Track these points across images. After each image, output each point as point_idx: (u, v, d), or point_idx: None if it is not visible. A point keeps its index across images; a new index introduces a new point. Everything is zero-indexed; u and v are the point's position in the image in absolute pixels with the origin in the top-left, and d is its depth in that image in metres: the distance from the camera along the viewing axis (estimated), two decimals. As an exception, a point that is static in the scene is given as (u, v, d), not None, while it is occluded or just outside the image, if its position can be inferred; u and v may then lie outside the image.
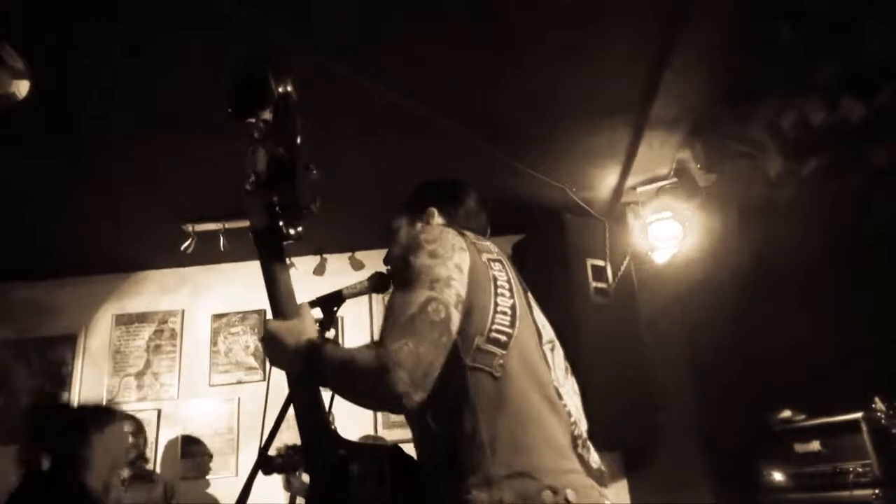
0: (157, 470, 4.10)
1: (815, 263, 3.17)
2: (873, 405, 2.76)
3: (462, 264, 1.28)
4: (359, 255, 4.50)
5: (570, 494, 1.16)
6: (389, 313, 1.21)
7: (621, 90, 3.09)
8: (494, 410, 1.22)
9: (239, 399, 4.36)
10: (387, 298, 1.33)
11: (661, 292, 4.18)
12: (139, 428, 3.69)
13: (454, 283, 1.23)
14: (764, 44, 2.76)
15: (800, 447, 3.10)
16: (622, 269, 3.87)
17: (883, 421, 2.72)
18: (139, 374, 4.45)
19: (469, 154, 3.37)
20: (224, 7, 2.32)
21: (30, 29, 2.37)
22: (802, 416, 3.18)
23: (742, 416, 3.62)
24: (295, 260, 4.10)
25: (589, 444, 1.33)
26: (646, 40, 2.75)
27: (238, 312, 4.57)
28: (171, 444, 4.25)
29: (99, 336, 4.57)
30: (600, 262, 3.79)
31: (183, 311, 4.63)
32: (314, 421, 1.30)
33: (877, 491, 2.63)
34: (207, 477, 4.15)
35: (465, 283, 1.26)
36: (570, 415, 1.32)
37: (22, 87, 2.30)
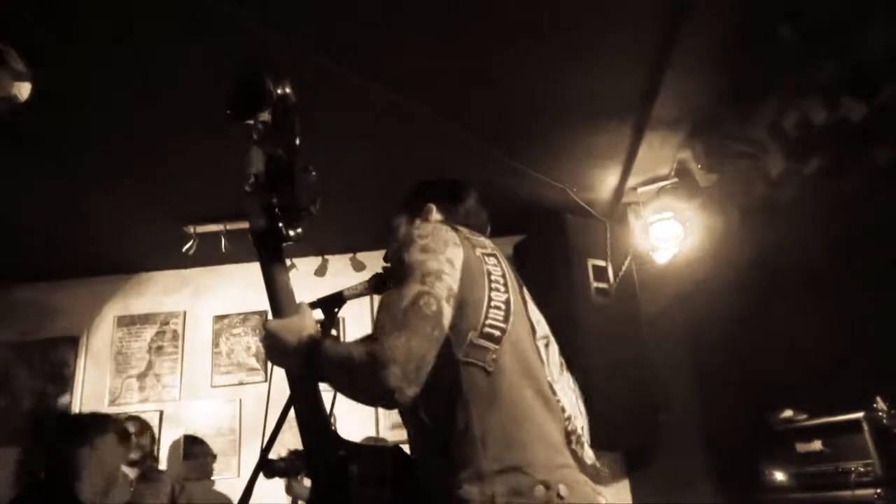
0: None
1: (817, 263, 3.17)
2: (875, 405, 2.75)
3: (454, 259, 1.28)
4: (360, 256, 4.51)
5: (563, 490, 1.16)
6: (383, 308, 1.21)
7: (622, 90, 3.09)
8: (487, 405, 1.22)
9: (241, 400, 4.37)
10: (386, 298, 1.32)
11: (663, 292, 4.18)
12: (144, 427, 3.68)
13: (446, 276, 1.23)
14: (764, 44, 2.75)
15: (801, 447, 3.09)
16: (623, 269, 3.87)
17: (884, 420, 2.72)
18: (141, 376, 4.46)
19: (469, 154, 3.37)
20: (224, 7, 2.32)
21: (30, 29, 2.37)
22: (804, 416, 3.18)
23: (743, 415, 3.61)
24: (296, 261, 4.11)
25: (583, 440, 1.33)
26: (646, 40, 2.74)
27: (240, 314, 4.58)
28: (173, 446, 4.25)
29: (101, 337, 4.58)
30: (601, 263, 3.80)
31: (185, 313, 4.63)
32: (315, 422, 1.30)
33: (878, 490, 2.63)
34: (210, 478, 4.16)
35: (457, 277, 1.26)
36: (563, 410, 1.32)
37: (23, 90, 2.30)
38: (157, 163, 3.40)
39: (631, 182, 4.01)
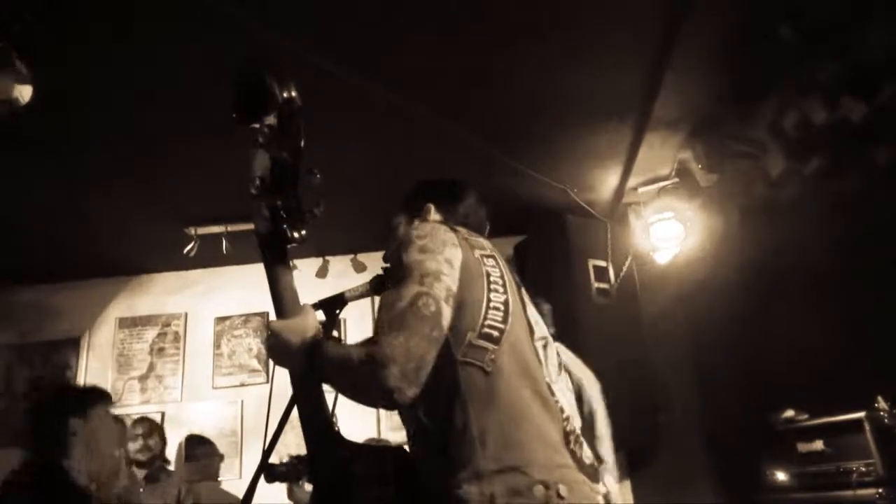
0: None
1: (817, 263, 3.17)
2: (876, 404, 2.75)
3: (453, 259, 1.28)
4: (361, 257, 4.51)
5: (563, 490, 1.16)
6: (382, 309, 1.21)
7: (622, 90, 3.09)
8: (485, 405, 1.22)
9: (242, 401, 4.37)
10: (385, 298, 1.32)
11: (663, 292, 4.18)
12: (153, 428, 3.68)
13: (444, 277, 1.23)
14: (764, 44, 2.76)
15: (803, 447, 3.09)
16: (624, 269, 3.88)
17: (886, 420, 2.72)
18: (143, 377, 4.46)
19: (469, 154, 3.37)
20: (224, 7, 2.32)
21: (30, 30, 2.37)
22: (805, 416, 3.18)
23: (745, 415, 3.62)
24: (297, 262, 4.11)
25: (582, 440, 1.33)
26: (646, 40, 2.75)
27: (241, 315, 4.58)
28: (175, 447, 4.25)
29: (102, 339, 4.58)
30: (602, 263, 3.80)
31: (186, 314, 4.64)
32: (317, 422, 1.30)
33: (880, 490, 2.63)
34: (214, 479, 4.15)
35: (456, 277, 1.26)
36: (562, 411, 1.32)
37: (25, 93, 2.30)
38: (157, 163, 3.40)
39: (631, 182, 4.01)
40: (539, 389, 1.30)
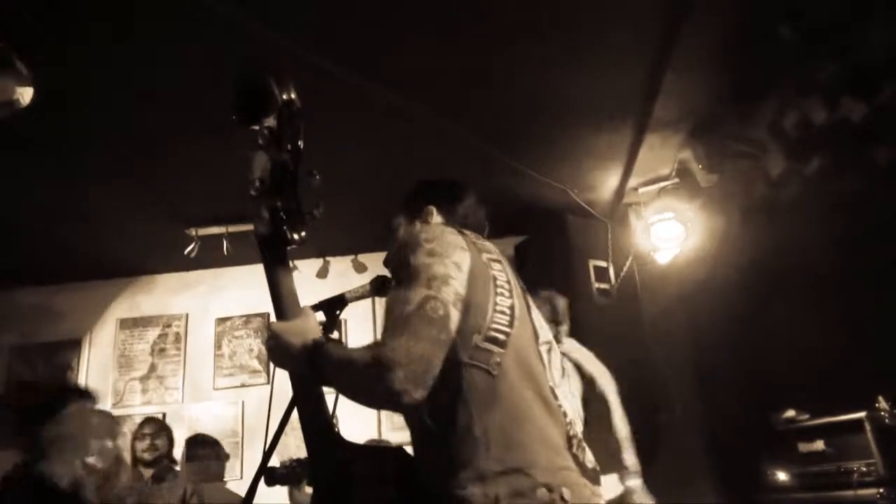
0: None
1: (817, 263, 3.17)
2: (877, 404, 2.75)
3: (461, 263, 1.28)
4: (361, 257, 4.51)
5: (566, 493, 1.16)
6: (388, 312, 1.21)
7: (622, 90, 3.09)
8: (487, 406, 1.22)
9: (243, 402, 4.37)
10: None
11: (664, 293, 4.18)
12: (160, 428, 3.68)
13: (453, 281, 1.23)
14: (764, 44, 2.76)
15: (804, 447, 3.09)
16: (624, 269, 3.88)
17: (887, 420, 2.72)
18: (144, 378, 4.46)
19: (469, 154, 3.37)
20: (224, 7, 2.32)
21: (30, 29, 2.37)
22: (806, 416, 3.18)
23: (745, 415, 3.61)
24: (298, 263, 4.11)
25: (584, 444, 1.33)
26: (646, 40, 2.75)
27: (242, 316, 4.58)
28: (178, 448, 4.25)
29: (103, 340, 4.58)
30: (603, 263, 3.81)
31: (187, 315, 4.64)
32: (318, 423, 1.30)
33: (881, 490, 2.63)
34: (214, 480, 4.15)
35: (464, 281, 1.26)
36: (565, 415, 1.32)
37: (26, 94, 2.31)
38: (157, 163, 3.40)
39: (632, 182, 4.01)
40: (542, 393, 1.30)
